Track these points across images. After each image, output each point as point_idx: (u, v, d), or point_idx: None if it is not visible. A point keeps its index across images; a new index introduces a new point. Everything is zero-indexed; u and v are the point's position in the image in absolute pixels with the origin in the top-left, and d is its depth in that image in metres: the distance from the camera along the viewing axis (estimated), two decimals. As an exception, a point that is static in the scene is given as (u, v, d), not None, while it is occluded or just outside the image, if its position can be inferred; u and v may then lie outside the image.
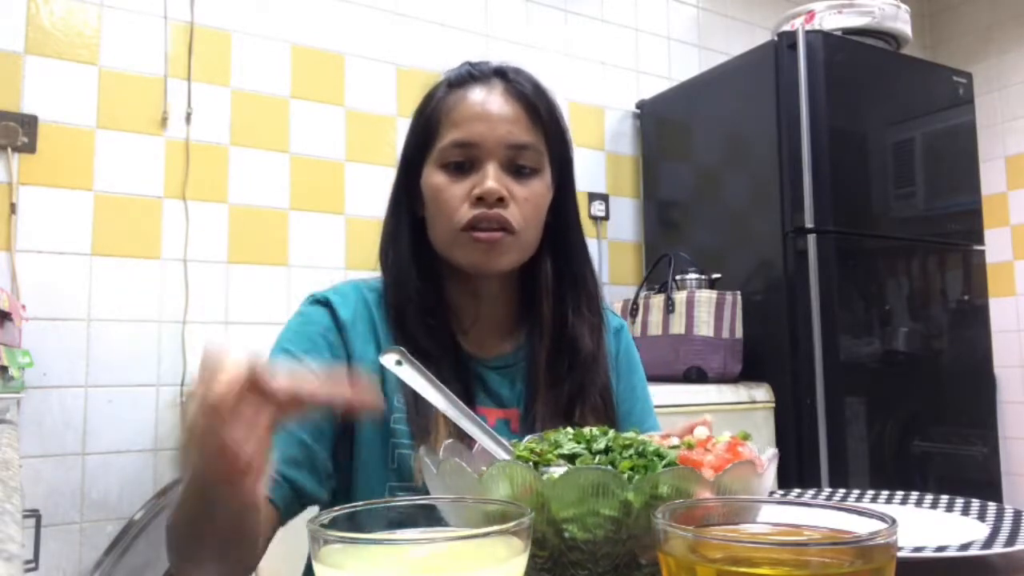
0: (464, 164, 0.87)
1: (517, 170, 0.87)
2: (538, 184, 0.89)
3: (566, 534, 0.51)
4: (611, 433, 0.63)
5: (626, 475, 0.54)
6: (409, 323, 0.88)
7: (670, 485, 0.51)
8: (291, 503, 0.79)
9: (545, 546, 0.52)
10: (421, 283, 0.90)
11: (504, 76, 0.90)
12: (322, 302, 0.90)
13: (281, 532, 0.80)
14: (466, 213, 0.85)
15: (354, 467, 0.85)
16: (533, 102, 0.89)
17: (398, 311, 0.89)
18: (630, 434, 0.63)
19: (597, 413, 0.91)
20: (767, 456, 0.59)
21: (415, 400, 0.80)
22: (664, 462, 0.57)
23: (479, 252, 0.86)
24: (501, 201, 0.84)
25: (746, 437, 0.62)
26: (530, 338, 0.95)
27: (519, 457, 0.61)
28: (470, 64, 0.93)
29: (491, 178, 0.84)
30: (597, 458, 0.58)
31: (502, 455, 0.63)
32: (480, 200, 0.84)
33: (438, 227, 0.88)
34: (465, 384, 0.87)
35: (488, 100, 0.88)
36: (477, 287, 0.92)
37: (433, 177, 0.88)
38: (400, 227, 0.93)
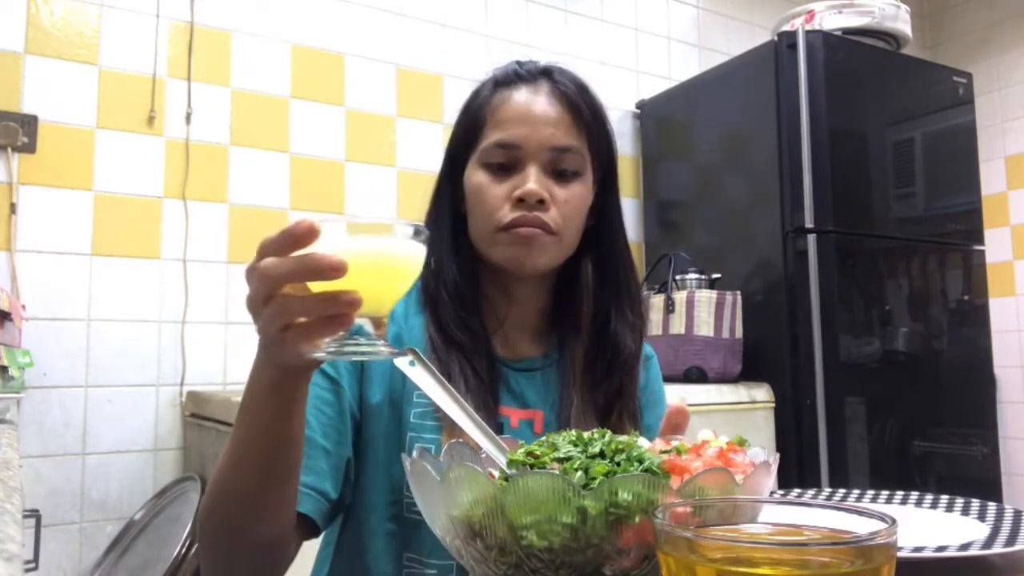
0: (506, 164, 0.87)
1: (559, 173, 0.88)
2: (579, 187, 0.89)
3: (523, 541, 0.50)
4: (608, 436, 0.62)
5: (582, 480, 0.53)
6: (444, 315, 0.88)
7: (632, 492, 0.49)
8: (325, 514, 0.80)
9: (506, 552, 0.51)
10: (459, 276, 0.90)
11: (550, 77, 0.90)
12: None
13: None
14: (506, 214, 0.85)
15: (366, 458, 0.85)
16: (577, 104, 0.89)
17: (433, 302, 0.90)
18: (625, 437, 0.62)
19: (635, 419, 0.90)
20: (760, 460, 0.57)
21: None
22: (641, 468, 0.55)
23: (517, 248, 0.86)
24: (541, 203, 0.85)
25: (742, 443, 0.61)
26: (564, 341, 0.94)
27: (514, 461, 0.60)
28: (518, 63, 0.93)
29: (532, 180, 0.85)
30: (577, 462, 0.56)
31: (503, 461, 0.63)
32: (520, 202, 0.85)
33: (478, 225, 0.89)
34: (491, 382, 0.87)
35: (532, 102, 0.88)
36: (511, 287, 0.92)
37: (475, 176, 0.89)
38: (441, 220, 0.94)
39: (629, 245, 0.97)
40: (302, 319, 0.54)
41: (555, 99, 0.88)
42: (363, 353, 0.54)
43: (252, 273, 0.54)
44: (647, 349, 1.01)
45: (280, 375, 0.61)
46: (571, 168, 0.88)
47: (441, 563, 0.82)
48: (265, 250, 0.53)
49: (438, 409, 0.81)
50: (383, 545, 0.83)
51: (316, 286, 0.53)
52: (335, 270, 0.50)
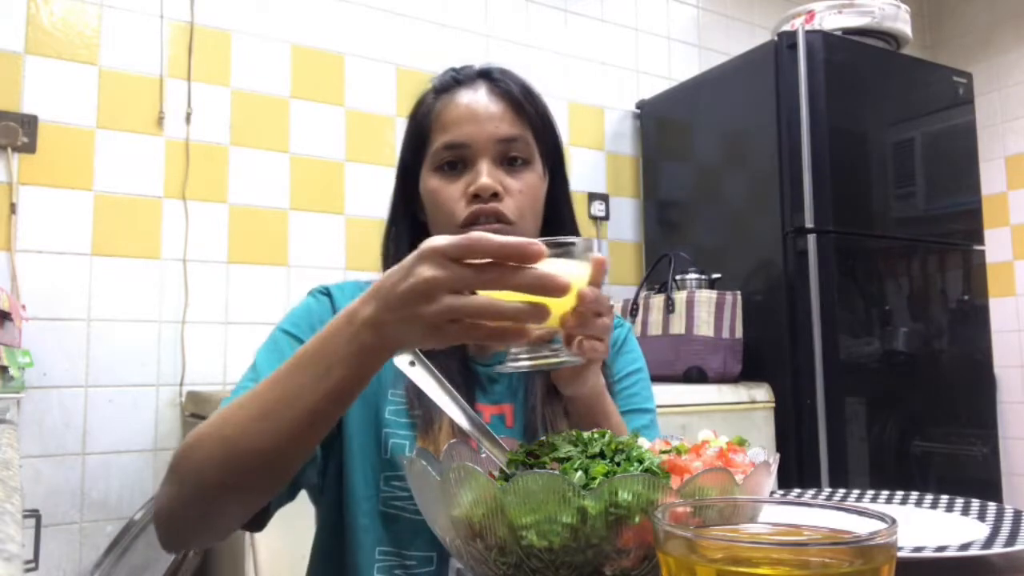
0: (457, 164, 0.89)
1: (510, 162, 0.90)
2: (531, 175, 0.91)
3: (523, 541, 0.50)
4: (608, 436, 0.62)
5: (582, 480, 0.53)
6: None
7: (632, 492, 0.49)
8: (281, 495, 0.79)
9: (506, 552, 0.51)
10: None
11: (488, 77, 0.93)
12: (323, 293, 0.93)
13: (280, 531, 0.80)
14: (463, 211, 0.87)
15: (345, 454, 0.86)
16: (518, 98, 0.91)
17: None
18: (625, 437, 0.62)
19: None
20: (760, 460, 0.57)
21: (418, 392, 0.81)
22: (642, 468, 0.55)
23: None
24: (496, 196, 0.87)
25: (742, 443, 0.61)
26: None
27: (514, 461, 0.60)
28: (454, 70, 0.96)
29: (484, 174, 0.86)
30: (577, 462, 0.56)
31: (503, 461, 0.63)
32: (476, 197, 0.87)
33: (439, 228, 0.90)
34: (465, 384, 0.88)
35: (473, 100, 0.90)
36: None
37: (429, 181, 0.91)
38: (401, 230, 0.96)
39: (580, 235, 0.98)
40: (471, 319, 0.56)
41: (495, 96, 0.91)
42: (559, 362, 0.60)
43: (444, 260, 0.56)
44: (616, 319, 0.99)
45: (380, 345, 0.60)
46: (521, 156, 0.90)
47: (420, 554, 0.83)
48: (480, 251, 0.55)
49: (413, 407, 0.84)
50: (361, 539, 0.84)
51: (510, 295, 0.55)
52: (561, 291, 0.54)
